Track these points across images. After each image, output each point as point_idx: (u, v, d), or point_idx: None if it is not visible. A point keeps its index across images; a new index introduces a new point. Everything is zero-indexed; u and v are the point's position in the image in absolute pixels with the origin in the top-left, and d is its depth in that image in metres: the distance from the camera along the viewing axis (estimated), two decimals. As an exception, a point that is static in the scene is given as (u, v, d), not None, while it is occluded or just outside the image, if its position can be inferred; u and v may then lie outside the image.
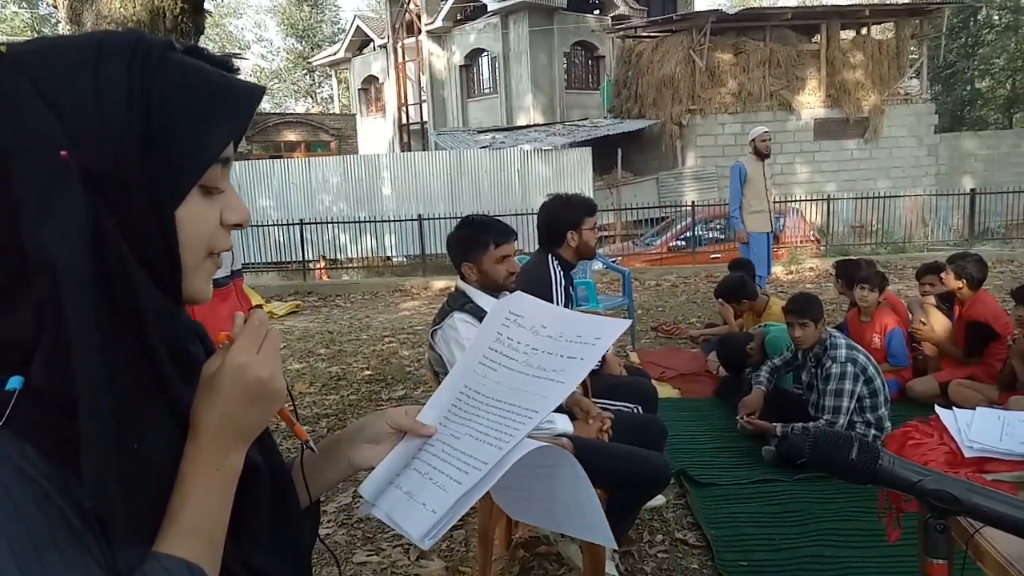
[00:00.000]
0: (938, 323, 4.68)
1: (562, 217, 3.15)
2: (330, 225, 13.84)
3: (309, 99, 42.28)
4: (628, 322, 0.94)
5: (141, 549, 0.62)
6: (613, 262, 8.96)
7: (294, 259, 13.02)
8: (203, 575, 0.63)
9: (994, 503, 0.85)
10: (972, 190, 14.18)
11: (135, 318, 0.60)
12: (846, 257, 6.53)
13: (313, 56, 33.85)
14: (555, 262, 3.14)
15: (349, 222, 13.91)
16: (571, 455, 0.86)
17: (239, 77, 0.67)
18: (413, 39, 22.53)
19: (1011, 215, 14.27)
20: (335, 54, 28.24)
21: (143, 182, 0.60)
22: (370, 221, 13.77)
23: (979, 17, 27.83)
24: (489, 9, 20.82)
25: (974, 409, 1.90)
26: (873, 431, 3.60)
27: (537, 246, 3.29)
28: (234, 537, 0.68)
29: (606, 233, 13.97)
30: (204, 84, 0.63)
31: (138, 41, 0.62)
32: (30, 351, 0.58)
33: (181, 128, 0.61)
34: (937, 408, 1.92)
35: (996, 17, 28.05)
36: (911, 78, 17.62)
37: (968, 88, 28.81)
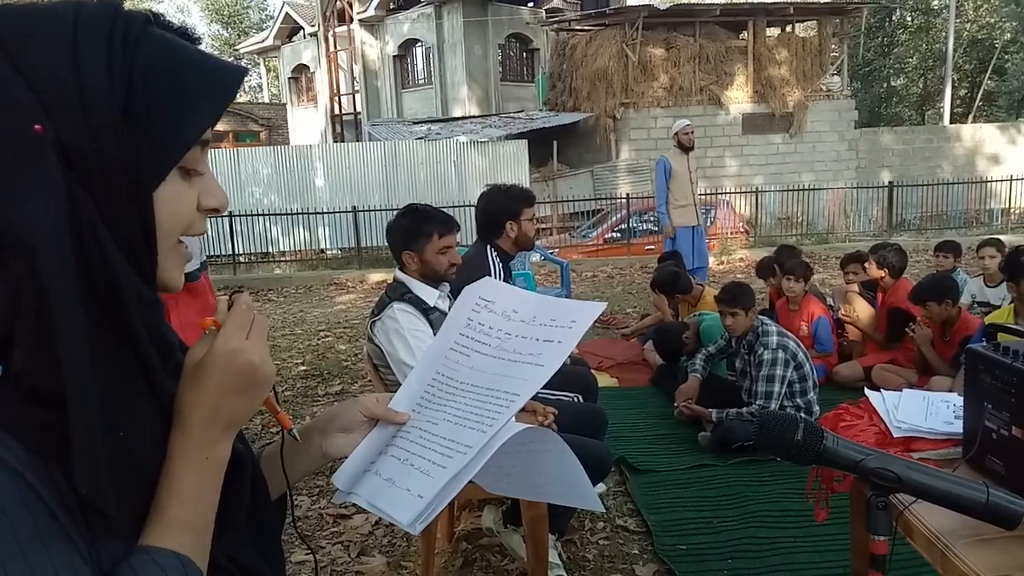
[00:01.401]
0: (862, 310, 4.89)
1: (501, 207, 3.13)
2: (261, 217, 13.47)
3: (237, 88, 40.94)
4: (603, 305, 0.93)
5: (126, 542, 0.60)
6: (551, 254, 9.01)
7: (223, 253, 12.62)
8: (192, 567, 0.61)
9: (933, 480, 0.88)
10: (890, 183, 14.89)
11: (116, 302, 0.58)
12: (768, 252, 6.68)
13: (240, 43, 32.79)
14: (494, 253, 3.12)
15: (281, 214, 13.58)
16: (556, 434, 0.85)
17: (218, 56, 0.64)
18: (345, 28, 22.06)
19: (925, 207, 15.04)
20: (263, 41, 27.41)
21: (122, 160, 0.57)
22: (303, 213, 13.47)
23: (894, 18, 29.11)
24: (423, -1, 20.62)
25: (900, 391, 1.98)
26: (803, 415, 3.73)
27: (475, 238, 3.26)
28: (218, 527, 0.66)
29: (543, 225, 14.04)
30: (187, 62, 0.61)
31: (116, 12, 0.59)
32: (5, 337, 0.54)
33: (163, 106, 0.59)
34: (867, 391, 1.99)
35: (909, 18, 29.40)
36: (833, 75, 18.30)
37: (884, 85, 30.11)
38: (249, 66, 38.48)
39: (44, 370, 0.54)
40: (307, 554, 2.67)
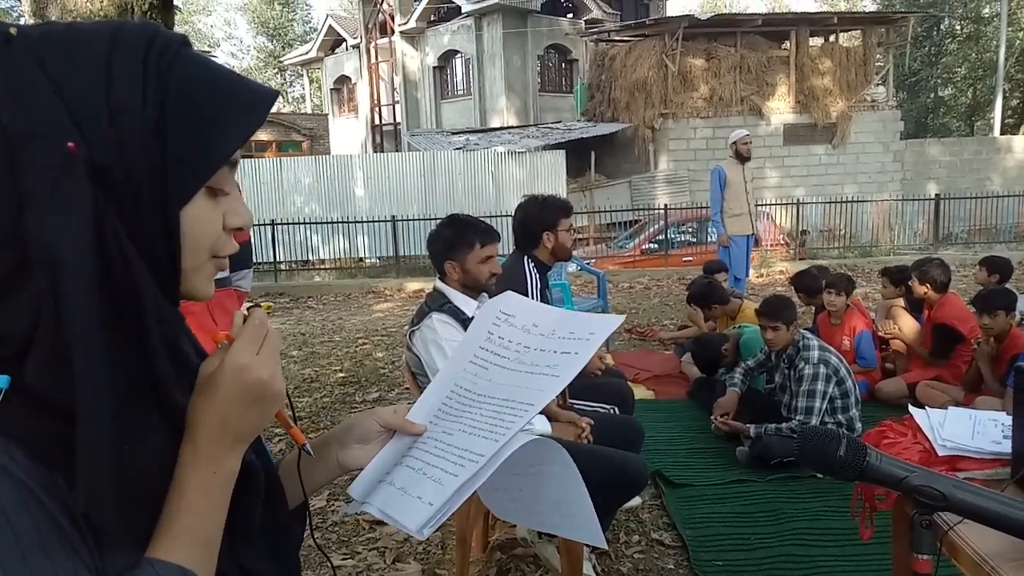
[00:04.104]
0: (907, 325, 4.77)
1: (538, 218, 3.14)
2: (302, 226, 13.71)
3: (280, 99, 41.87)
4: (621, 317, 0.94)
5: (133, 553, 0.60)
6: (587, 264, 8.99)
7: (265, 260, 12.87)
8: None
9: (980, 499, 0.87)
10: (936, 195, 14.52)
11: (137, 318, 0.59)
12: (804, 268, 6.58)
13: (284, 55, 33.50)
14: (531, 264, 3.12)
15: (321, 223, 13.79)
16: (564, 450, 0.86)
17: (251, 78, 0.66)
18: (386, 39, 22.41)
19: (973, 220, 14.63)
20: (307, 53, 27.99)
21: (150, 179, 0.58)
22: (343, 222, 13.65)
23: (942, 27, 28.49)
24: (463, 11, 20.80)
25: (945, 409, 1.94)
26: (844, 431, 3.66)
27: (512, 248, 3.28)
28: (228, 538, 0.67)
29: (580, 236, 14.02)
30: (220, 83, 0.62)
31: (155, 34, 0.60)
32: (21, 348, 0.56)
33: (194, 126, 0.59)
34: (911, 408, 1.95)
35: (958, 27, 28.75)
36: (877, 85, 17.97)
37: (932, 96, 29.47)
38: (292, 77, 39.43)
39: (56, 383, 0.55)
40: (338, 561, 2.70)
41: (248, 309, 0.69)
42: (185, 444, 0.64)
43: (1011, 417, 1.55)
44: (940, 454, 1.70)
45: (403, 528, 0.81)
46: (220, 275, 2.38)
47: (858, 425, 3.69)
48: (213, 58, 0.65)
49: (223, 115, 0.61)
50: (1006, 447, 1.59)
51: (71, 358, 0.54)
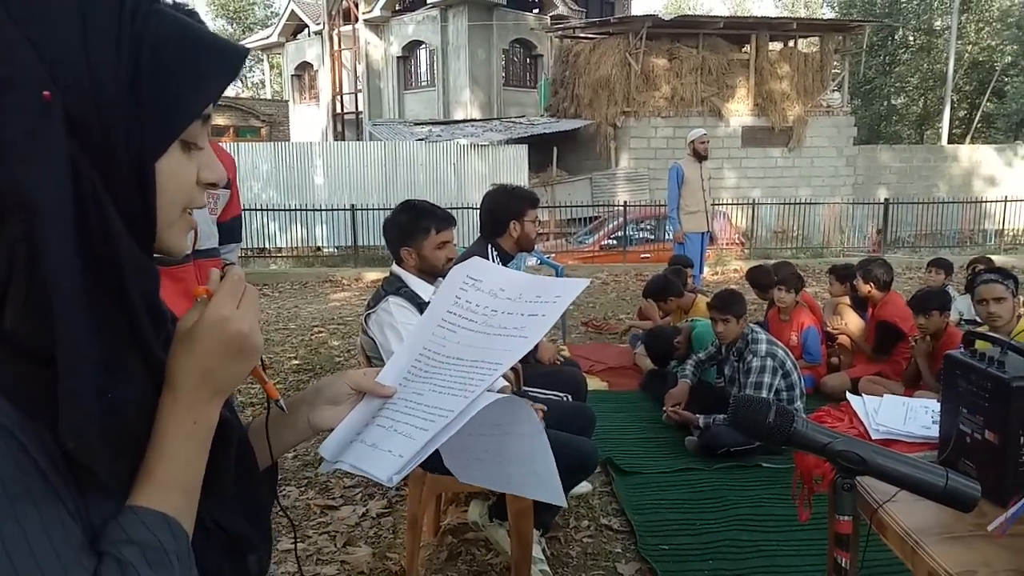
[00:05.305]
0: (852, 322, 4.94)
1: (506, 207, 3.16)
2: (259, 213, 13.48)
3: (239, 83, 40.98)
4: (586, 281, 0.96)
5: (116, 502, 0.61)
6: (547, 258, 9.05)
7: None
8: (179, 528, 0.63)
9: (896, 463, 0.92)
10: (886, 200, 14.97)
11: (113, 267, 0.59)
12: (758, 263, 6.79)
13: (244, 39, 32.81)
14: (494, 252, 3.15)
15: (279, 210, 13.59)
16: (532, 410, 0.88)
17: (223, 36, 0.67)
18: (350, 27, 22.11)
19: (920, 225, 15.13)
20: (268, 38, 27.45)
21: (125, 130, 0.59)
22: (301, 210, 13.47)
23: (896, 37, 29.30)
24: (428, 1, 20.67)
25: (882, 396, 2.02)
26: (774, 399, 3.77)
27: (472, 240, 3.29)
28: (204, 492, 0.68)
29: (541, 230, 14.08)
30: (192, 38, 0.63)
31: None
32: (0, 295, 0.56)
33: (168, 80, 0.60)
34: (848, 395, 2.03)
35: (911, 38, 29.60)
36: (833, 91, 18.41)
37: (885, 104, 30.28)
38: (252, 62, 38.64)
39: (36, 330, 0.55)
40: (292, 541, 2.69)
41: (224, 267, 0.70)
42: (165, 395, 0.65)
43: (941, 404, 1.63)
44: (873, 438, 1.78)
45: (372, 477, 0.82)
46: (208, 245, 2.32)
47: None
48: (190, 12, 0.65)
49: (196, 69, 0.62)
50: (934, 431, 1.67)
51: (49, 303, 0.54)
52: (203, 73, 0.63)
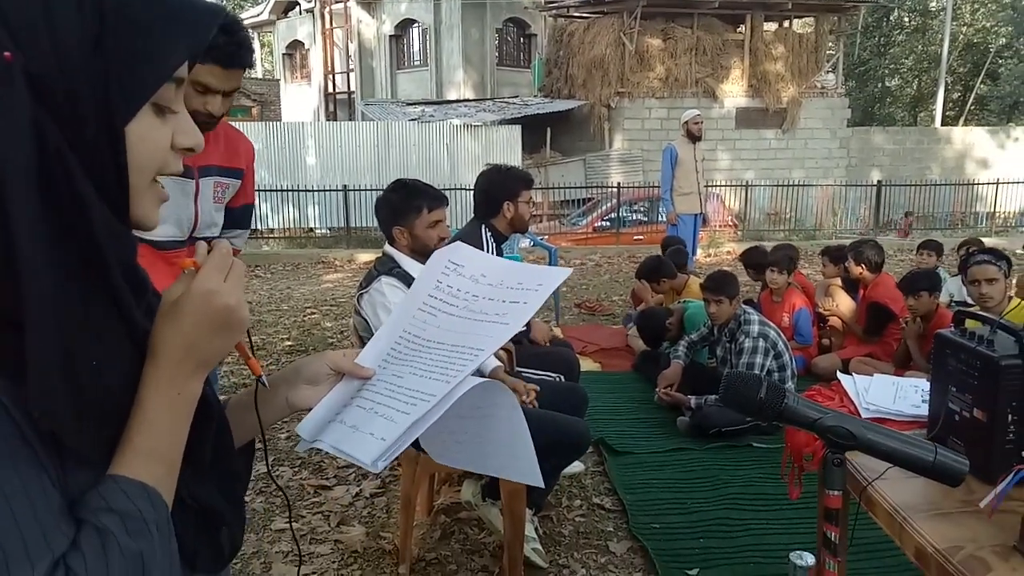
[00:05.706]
0: (843, 303, 4.96)
1: (501, 187, 3.14)
2: (251, 193, 13.38)
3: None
4: (568, 270, 0.96)
5: (96, 472, 0.61)
6: (541, 239, 9.05)
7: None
8: (159, 498, 0.63)
9: (885, 439, 0.93)
10: (878, 182, 15.00)
11: (85, 231, 0.58)
12: (753, 244, 6.82)
13: (235, 17, 32.34)
14: (488, 232, 3.13)
15: (271, 191, 13.50)
16: (511, 393, 0.88)
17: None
18: (342, 5, 21.87)
19: (912, 207, 15.18)
20: (258, 16, 27.07)
21: (92, 92, 0.57)
22: (293, 190, 13.40)
23: (891, 18, 29.21)
24: (421, -21, 20.46)
25: (872, 376, 2.03)
26: (765, 376, 3.81)
27: (465, 221, 3.27)
28: (183, 465, 0.67)
29: (534, 211, 14.05)
30: None
31: None
32: None
33: (136, 38, 0.58)
34: (839, 374, 2.05)
35: (906, 19, 29.51)
36: (828, 72, 18.36)
37: (879, 85, 30.25)
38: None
39: (10, 295, 0.54)
40: (286, 521, 2.71)
41: (211, 241, 0.69)
42: (148, 365, 0.64)
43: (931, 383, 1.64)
44: (864, 416, 1.79)
45: (357, 461, 0.82)
46: (209, 234, 2.27)
47: (794, 397, 3.83)
48: None
49: (165, 28, 0.60)
50: (924, 410, 1.68)
51: (17, 266, 0.53)
52: (172, 32, 0.60)
